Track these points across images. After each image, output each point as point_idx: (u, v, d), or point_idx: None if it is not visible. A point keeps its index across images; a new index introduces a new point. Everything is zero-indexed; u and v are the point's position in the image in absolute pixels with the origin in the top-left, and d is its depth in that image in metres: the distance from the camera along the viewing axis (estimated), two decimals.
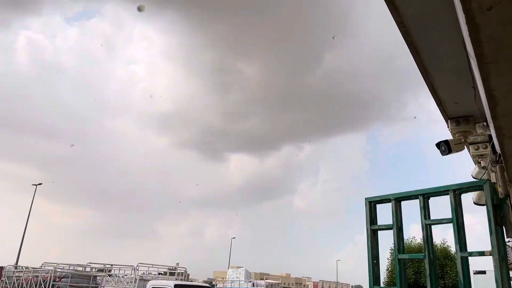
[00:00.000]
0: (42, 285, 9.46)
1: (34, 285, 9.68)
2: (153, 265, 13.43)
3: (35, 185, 43.06)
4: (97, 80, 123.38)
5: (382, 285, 3.74)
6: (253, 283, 17.49)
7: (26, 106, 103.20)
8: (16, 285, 10.21)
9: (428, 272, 3.28)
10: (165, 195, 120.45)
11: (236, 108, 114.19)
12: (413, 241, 24.44)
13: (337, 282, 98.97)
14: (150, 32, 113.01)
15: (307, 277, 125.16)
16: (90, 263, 11.39)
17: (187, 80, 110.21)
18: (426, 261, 3.32)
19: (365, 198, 3.82)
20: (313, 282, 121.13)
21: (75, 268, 10.73)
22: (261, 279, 19.52)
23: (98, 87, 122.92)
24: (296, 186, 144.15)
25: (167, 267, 14.80)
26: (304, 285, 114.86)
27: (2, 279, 11.21)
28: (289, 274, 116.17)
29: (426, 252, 3.34)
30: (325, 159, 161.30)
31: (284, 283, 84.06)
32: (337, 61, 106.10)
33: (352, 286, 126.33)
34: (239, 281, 17.74)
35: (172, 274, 14.38)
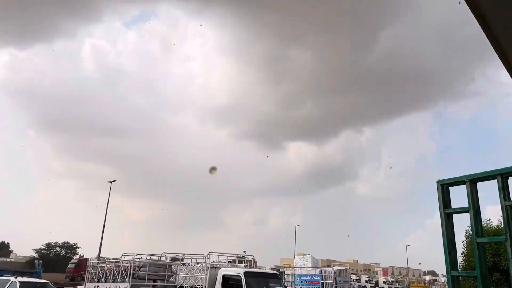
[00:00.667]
0: (124, 274, 10.19)
1: (116, 275, 10.45)
2: (222, 253, 13.90)
3: (110, 182, 46.20)
4: (157, 79, 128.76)
5: (459, 270, 3.59)
6: (321, 270, 17.49)
7: (95, 109, 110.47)
8: (100, 275, 11.07)
9: (510, 255, 3.10)
10: (228, 185, 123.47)
11: (292, 96, 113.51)
12: (489, 224, 22.95)
13: (407, 268, 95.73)
14: (203, 28, 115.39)
15: (376, 263, 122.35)
16: (164, 252, 12.05)
17: (241, 72, 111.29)
18: (508, 243, 3.13)
19: (437, 181, 3.67)
20: (382, 268, 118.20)
21: (151, 258, 11.41)
22: (328, 265, 19.46)
23: (158, 86, 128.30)
24: (358, 172, 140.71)
25: (235, 255, 15.25)
26: (373, 271, 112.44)
27: (88, 269, 12.20)
28: (357, 261, 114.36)
29: (508, 235, 3.15)
30: (387, 142, 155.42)
31: (352, 270, 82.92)
32: (393, 39, 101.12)
33: (424, 272, 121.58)
34: (306, 268, 17.83)
35: (240, 262, 14.79)
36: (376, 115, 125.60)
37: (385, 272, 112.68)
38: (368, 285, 66.69)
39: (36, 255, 71.92)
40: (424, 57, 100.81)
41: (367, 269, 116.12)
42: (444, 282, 69.39)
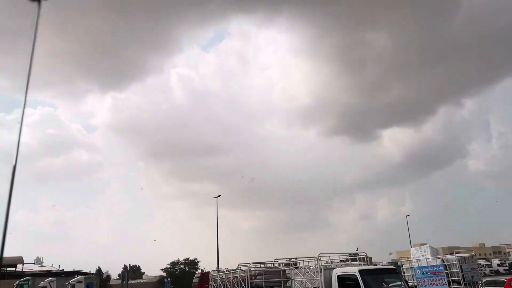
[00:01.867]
0: (242, 284, 10.71)
1: (236, 285, 11.03)
2: (333, 253, 13.80)
3: (215, 197, 48.78)
4: (240, 93, 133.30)
5: None
6: (442, 259, 16.37)
7: (191, 132, 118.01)
8: (221, 286, 11.77)
9: None
10: (327, 184, 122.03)
11: (375, 83, 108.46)
12: None
13: None
14: (274, 34, 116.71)
15: (507, 244, 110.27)
16: (276, 259, 12.37)
17: (318, 69, 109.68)
18: None
19: None
20: None
21: (265, 265, 11.81)
22: (450, 253, 18.14)
23: (242, 100, 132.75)
24: (467, 148, 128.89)
25: (347, 254, 15.03)
26: (504, 253, 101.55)
27: (210, 283, 13.04)
28: (483, 244, 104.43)
29: None
30: (494, 110, 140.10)
31: (479, 254, 75.85)
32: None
33: None
34: (426, 259, 16.82)
35: (353, 260, 14.54)
36: (474, 84, 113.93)
37: None
38: (501, 268, 60.43)
39: (164, 274, 78.57)
40: None
41: (497, 251, 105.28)
42: None
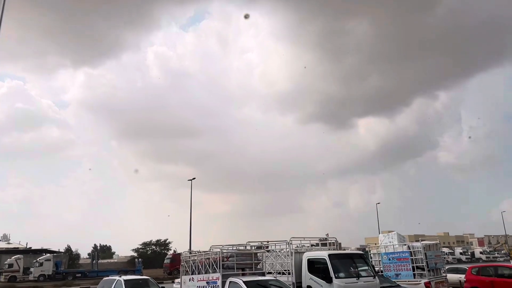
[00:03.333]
0: (214, 265, 10.82)
1: (207, 266, 11.13)
2: (304, 238, 14.07)
3: (190, 180, 48.65)
4: (219, 75, 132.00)
5: None
6: (408, 246, 16.96)
7: (167, 113, 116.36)
8: (193, 267, 11.84)
9: None
10: (301, 170, 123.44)
11: (354, 71, 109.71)
12: None
13: (506, 235, 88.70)
14: (256, 18, 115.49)
15: (469, 234, 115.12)
16: (248, 242, 12.53)
17: (299, 55, 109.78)
18: None
19: None
20: (477, 239, 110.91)
21: (237, 248, 11.95)
22: (416, 241, 18.81)
23: (221, 82, 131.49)
24: (438, 140, 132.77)
25: (318, 239, 15.37)
26: (467, 243, 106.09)
27: (182, 263, 13.10)
28: (448, 233, 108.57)
29: None
30: (466, 104, 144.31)
31: (444, 243, 78.96)
32: None
33: None
34: (393, 245, 17.38)
35: (324, 244, 14.88)
36: (449, 77, 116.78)
37: (480, 242, 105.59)
38: (463, 257, 63.20)
39: (135, 254, 78.27)
40: (494, 4, 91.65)
41: (460, 240, 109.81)
42: None
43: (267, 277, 11.45)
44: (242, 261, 11.33)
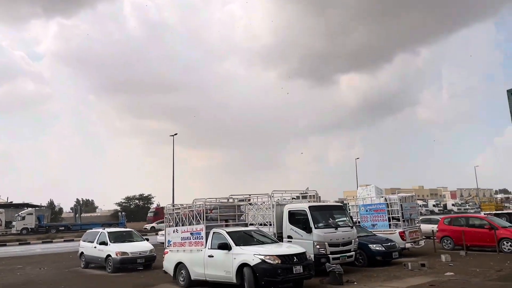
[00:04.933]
0: (198, 217, 11.04)
1: (191, 218, 11.35)
2: (285, 191, 14.42)
3: (172, 135, 48.39)
4: (200, 28, 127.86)
5: None
6: (385, 198, 17.59)
7: (146, 67, 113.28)
8: (177, 220, 12.05)
9: None
10: (283, 126, 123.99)
11: (337, 26, 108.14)
12: None
13: (477, 189, 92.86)
14: None
15: (443, 187, 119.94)
16: (231, 195, 12.75)
17: (283, 8, 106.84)
18: None
19: (507, 91, 3.55)
20: (450, 192, 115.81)
21: (220, 200, 12.17)
22: (392, 193, 19.50)
23: (202, 35, 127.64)
24: (418, 96, 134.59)
25: (298, 192, 15.75)
26: (440, 196, 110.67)
27: (165, 216, 13.31)
28: (422, 187, 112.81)
29: None
30: (447, 61, 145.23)
31: (418, 196, 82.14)
32: None
33: (496, 191, 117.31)
34: (370, 197, 18.00)
35: (304, 197, 15.29)
36: (431, 33, 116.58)
37: (453, 195, 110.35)
38: (436, 209, 66.16)
39: (118, 208, 79.06)
40: None
41: (434, 193, 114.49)
42: None
43: (250, 228, 11.85)
44: (226, 213, 11.59)
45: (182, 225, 11.61)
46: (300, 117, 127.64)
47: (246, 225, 12.05)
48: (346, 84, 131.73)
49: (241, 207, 12.27)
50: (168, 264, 12.04)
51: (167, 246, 12.42)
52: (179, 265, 11.41)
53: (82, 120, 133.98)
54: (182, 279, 11.20)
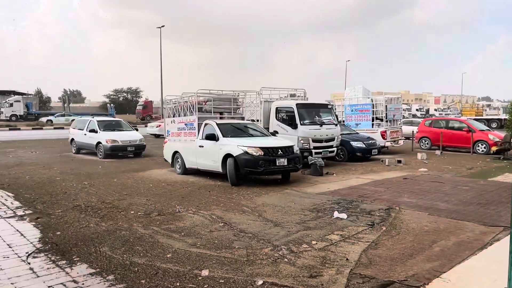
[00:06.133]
0: (191, 109, 11.42)
1: (186, 109, 11.76)
2: (274, 88, 14.67)
3: (159, 27, 46.54)
4: None
5: None
6: (372, 99, 18.14)
7: None
8: (174, 111, 12.44)
9: None
10: (273, 23, 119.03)
11: None
12: None
13: (461, 95, 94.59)
14: None
15: (428, 93, 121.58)
16: (219, 90, 12.94)
17: None
18: None
19: None
20: (434, 97, 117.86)
21: (213, 93, 12.38)
22: (379, 95, 20.06)
23: None
24: None
25: (287, 90, 16.03)
26: (424, 101, 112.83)
27: (164, 107, 13.59)
28: (408, 91, 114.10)
29: None
30: None
31: (404, 100, 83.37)
32: None
33: (478, 98, 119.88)
34: (357, 98, 18.53)
35: (292, 96, 15.65)
36: None
37: (437, 101, 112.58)
38: (418, 113, 67.89)
39: (106, 100, 78.97)
40: None
41: (419, 98, 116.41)
42: (498, 106, 68.77)
43: (244, 122, 12.12)
44: (221, 105, 11.96)
45: (179, 116, 12.05)
46: (293, 15, 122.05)
47: (242, 118, 12.50)
48: None
49: (237, 100, 12.58)
50: (167, 152, 12.79)
51: (166, 136, 13.01)
52: (176, 154, 12.11)
53: (62, 6, 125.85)
54: (178, 167, 11.99)
